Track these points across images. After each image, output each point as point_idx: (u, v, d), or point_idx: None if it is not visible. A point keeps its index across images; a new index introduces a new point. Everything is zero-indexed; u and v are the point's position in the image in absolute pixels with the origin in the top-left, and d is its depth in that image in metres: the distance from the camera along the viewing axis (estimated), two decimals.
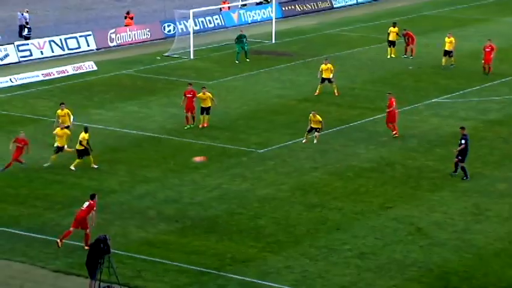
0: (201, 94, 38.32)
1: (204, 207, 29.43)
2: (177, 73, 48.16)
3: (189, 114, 38.15)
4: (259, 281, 24.05)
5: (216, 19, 61.75)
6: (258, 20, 63.56)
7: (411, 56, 50.85)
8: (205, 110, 38.19)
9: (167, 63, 50.77)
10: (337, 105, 41.68)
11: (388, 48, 51.48)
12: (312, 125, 36.08)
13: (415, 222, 27.94)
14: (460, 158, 31.59)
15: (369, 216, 28.53)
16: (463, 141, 31.65)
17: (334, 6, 70.45)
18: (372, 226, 27.74)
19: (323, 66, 43.35)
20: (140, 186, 31.23)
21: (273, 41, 55.98)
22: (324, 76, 43.18)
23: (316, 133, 35.94)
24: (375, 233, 27.17)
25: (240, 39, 51.19)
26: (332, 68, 43.28)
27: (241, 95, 43.38)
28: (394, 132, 36.45)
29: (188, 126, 38.01)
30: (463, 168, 31.60)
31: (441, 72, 47.56)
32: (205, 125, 38.09)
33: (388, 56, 51.04)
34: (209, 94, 38.45)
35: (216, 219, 28.47)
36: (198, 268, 24.76)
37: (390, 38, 51.58)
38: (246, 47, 51.24)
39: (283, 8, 66.54)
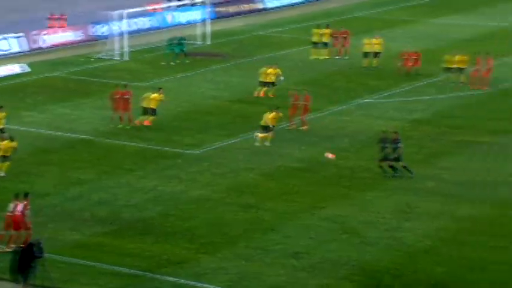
0: (156, 95, 38.13)
1: (139, 209, 29.16)
2: (110, 75, 47.65)
3: (122, 113, 37.80)
4: (194, 283, 23.91)
5: (150, 20, 61.32)
6: (191, 21, 63.28)
7: (345, 56, 51.05)
8: (152, 111, 38.00)
9: (100, 64, 50.22)
10: (270, 107, 41.63)
11: (315, 49, 51.17)
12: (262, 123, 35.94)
13: (347, 222, 28.11)
14: (393, 160, 31.83)
15: (302, 216, 28.61)
16: (399, 145, 31.95)
17: (267, 7, 70.58)
18: (306, 226, 27.82)
19: (271, 70, 42.88)
20: (74, 188, 30.81)
21: (207, 42, 55.80)
22: (267, 80, 42.65)
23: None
24: (308, 233, 27.25)
25: (176, 41, 51.11)
26: (279, 72, 42.94)
27: (175, 96, 43.09)
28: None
29: (122, 125, 37.72)
30: (404, 167, 31.87)
31: (371, 73, 47.99)
32: (147, 123, 37.95)
33: (322, 57, 51.05)
34: (162, 96, 38.33)
35: (150, 221, 28.22)
36: (133, 270, 24.50)
37: (324, 40, 51.53)
38: (183, 49, 51.14)
39: (217, 9, 66.38)
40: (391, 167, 32.10)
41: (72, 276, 24.03)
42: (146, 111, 38.08)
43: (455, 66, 45.35)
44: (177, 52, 50.93)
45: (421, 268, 24.80)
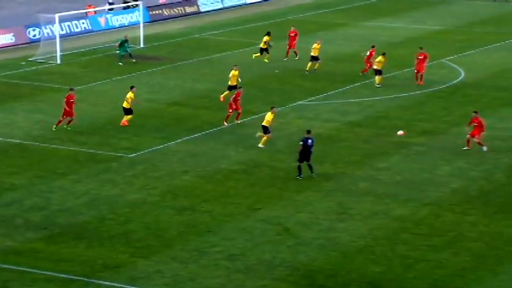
0: (130, 94, 38.64)
1: (73, 213, 29.00)
2: (43, 78, 47.24)
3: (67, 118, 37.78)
4: (129, 287, 23.88)
5: (83, 23, 60.89)
6: (126, 24, 63.03)
7: (292, 57, 51.43)
8: (128, 110, 38.58)
9: (33, 68, 49.72)
10: (206, 109, 41.84)
11: (267, 54, 51.14)
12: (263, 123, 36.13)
13: (282, 223, 28.37)
14: (300, 159, 32.08)
15: (238, 218, 28.78)
16: (301, 143, 32.23)
17: (201, 10, 70.66)
18: (242, 228, 28.00)
19: (234, 72, 42.81)
20: (6, 194, 30.49)
21: (142, 46, 55.65)
22: (230, 83, 42.59)
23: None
24: (244, 235, 27.42)
25: (123, 43, 51.19)
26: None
27: (110, 99, 42.94)
28: None
29: (58, 127, 37.51)
30: (310, 166, 32.17)
31: (306, 75, 48.44)
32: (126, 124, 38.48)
33: (266, 60, 51.08)
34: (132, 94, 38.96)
35: (85, 225, 28.09)
36: (67, 276, 24.37)
37: (261, 46, 51.51)
38: (128, 50, 51.39)
39: (151, 13, 66.22)
40: (310, 166, 32.26)
41: (4, 283, 23.79)
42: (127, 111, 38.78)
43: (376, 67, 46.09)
44: (123, 54, 51.09)
45: (355, 268, 25.16)
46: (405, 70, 48.99)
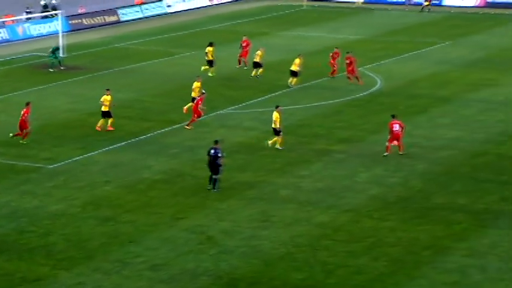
0: (106, 96, 39.01)
1: None
2: None
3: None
4: None
5: (0, 33, 59.84)
6: (44, 33, 62.20)
7: (245, 66, 51.76)
8: (106, 114, 38.79)
9: None
10: (128, 118, 41.52)
11: (210, 68, 50.19)
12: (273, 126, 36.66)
13: (205, 232, 28.31)
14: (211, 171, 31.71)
15: (161, 228, 28.62)
16: (207, 154, 31.73)
17: (122, 19, 70.20)
18: (165, 238, 27.84)
19: (196, 84, 42.33)
20: None
21: (61, 55, 54.94)
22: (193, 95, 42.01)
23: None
24: (167, 244, 27.28)
25: (54, 51, 51.29)
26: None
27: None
28: None
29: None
30: (215, 181, 31.69)
31: (227, 84, 48.50)
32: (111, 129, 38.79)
33: (210, 74, 50.39)
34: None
35: (4, 238, 27.54)
36: None
37: (208, 58, 50.54)
38: (58, 57, 51.22)
39: (70, 22, 65.49)
40: (214, 180, 31.73)
41: None
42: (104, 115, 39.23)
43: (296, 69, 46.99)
44: (53, 62, 50.70)
45: (277, 275, 25.26)
46: (324, 79, 49.52)
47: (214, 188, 31.87)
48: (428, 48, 58.92)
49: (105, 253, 26.54)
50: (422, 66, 53.38)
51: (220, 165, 31.79)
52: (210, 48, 50.11)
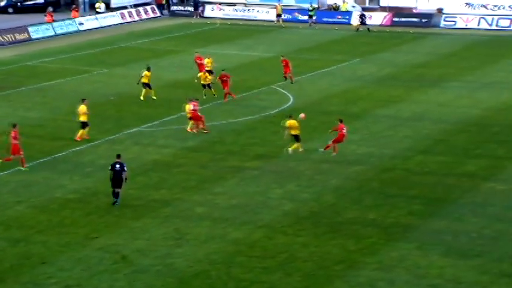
0: (83, 106, 39.41)
1: None
2: None
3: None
4: None
5: None
6: None
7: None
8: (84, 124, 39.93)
9: None
10: (39, 137, 40.86)
11: (144, 90, 48.77)
12: (292, 132, 38.01)
13: (119, 251, 28.01)
14: (112, 184, 31.85)
15: (74, 248, 28.19)
16: (110, 168, 31.92)
17: (33, 37, 69.15)
18: (78, 258, 27.43)
19: (188, 106, 41.89)
20: None
21: None
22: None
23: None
24: (80, 265, 26.88)
25: None
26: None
27: None
28: None
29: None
30: (117, 194, 31.84)
31: (141, 102, 48.15)
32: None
33: (142, 98, 48.88)
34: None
35: None
36: None
37: (143, 81, 48.95)
38: None
39: None
40: (116, 193, 31.84)
41: None
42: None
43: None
44: None
45: None
46: (238, 96, 49.67)
47: (116, 202, 31.77)
48: (338, 66, 59.77)
49: (16, 275, 26.00)
50: (333, 83, 54.10)
51: (125, 179, 31.86)
52: (147, 73, 48.88)
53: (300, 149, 38.49)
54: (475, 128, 43.08)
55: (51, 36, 70.68)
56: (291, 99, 49.27)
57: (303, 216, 31.21)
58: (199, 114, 41.83)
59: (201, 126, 41.88)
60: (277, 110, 46.92)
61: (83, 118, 40.55)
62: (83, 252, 27.83)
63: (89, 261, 27.18)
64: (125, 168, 32.01)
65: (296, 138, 38.56)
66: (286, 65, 52.94)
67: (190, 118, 42.01)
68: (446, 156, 38.31)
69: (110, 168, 32.11)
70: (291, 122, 38.64)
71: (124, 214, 31.24)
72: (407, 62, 61.20)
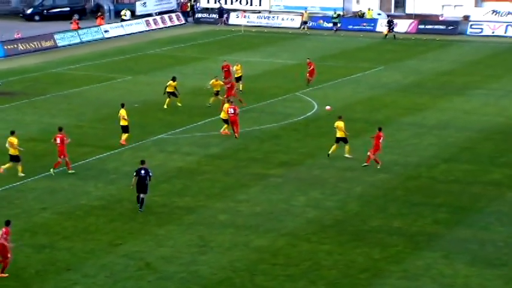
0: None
1: None
2: None
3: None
4: None
5: None
6: None
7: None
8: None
9: None
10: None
11: (168, 99, 48.65)
12: (337, 135, 38.40)
13: (144, 258, 28.11)
14: (137, 190, 32.12)
15: (99, 255, 28.33)
16: (134, 174, 32.24)
17: (58, 45, 69.62)
18: (102, 264, 27.56)
19: (226, 106, 42.56)
20: None
21: None
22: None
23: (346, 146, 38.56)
24: (105, 271, 27.00)
25: None
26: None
27: None
28: None
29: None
30: (142, 200, 32.09)
31: (165, 109, 48.30)
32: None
33: (165, 106, 48.74)
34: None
35: None
36: None
37: (168, 90, 48.88)
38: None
39: (6, 47, 64.70)
40: (141, 199, 32.11)
41: None
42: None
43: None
44: None
45: None
46: (262, 103, 49.75)
47: (141, 208, 32.00)
48: (362, 73, 59.68)
49: (42, 281, 26.16)
50: (358, 90, 54.01)
51: (147, 185, 32.18)
52: (172, 83, 48.62)
53: (346, 154, 38.68)
54: (500, 136, 42.84)
55: (76, 44, 71.13)
56: (316, 107, 49.25)
57: (327, 224, 31.16)
58: (237, 119, 42.19)
59: (235, 131, 42.20)
60: (301, 117, 46.91)
61: (123, 122, 41.13)
62: (108, 259, 27.96)
63: (113, 267, 27.30)
64: (150, 173, 32.18)
65: (341, 140, 38.80)
66: (312, 69, 53.96)
67: (227, 121, 42.36)
68: (471, 164, 38.13)
69: (134, 174, 32.21)
70: (339, 124, 38.87)
71: (148, 221, 31.35)
72: (432, 70, 60.97)
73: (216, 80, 48.93)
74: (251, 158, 39.39)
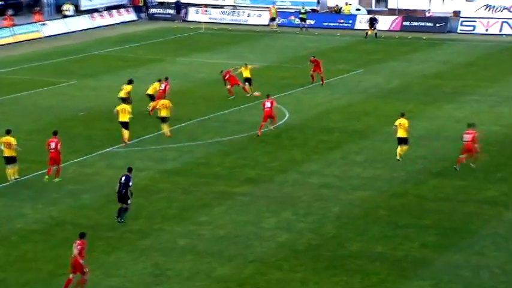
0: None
1: None
2: None
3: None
4: None
5: None
6: None
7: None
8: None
9: None
10: None
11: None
12: (399, 135, 39.98)
13: None
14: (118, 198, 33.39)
15: (38, 287, 28.11)
16: (122, 180, 33.46)
17: None
18: None
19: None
20: None
21: None
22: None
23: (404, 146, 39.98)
24: None
25: None
26: None
27: None
28: None
29: None
30: (125, 210, 33.22)
31: (113, 119, 47.91)
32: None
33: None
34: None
35: None
36: None
37: (121, 95, 49.45)
38: None
39: None
40: (121, 210, 33.23)
41: None
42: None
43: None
44: None
45: None
46: (226, 111, 49.77)
47: (120, 218, 32.96)
48: (340, 76, 59.98)
49: None
50: (335, 96, 54.28)
51: (131, 194, 33.27)
52: (127, 87, 49.00)
53: (397, 156, 39.99)
54: (495, 147, 43.23)
55: (10, 44, 70.76)
56: (287, 115, 49.37)
57: (301, 249, 31.21)
58: (273, 112, 44.93)
59: (274, 122, 45.58)
60: (271, 127, 46.95)
61: (124, 118, 43.14)
62: None
63: None
64: (130, 182, 33.27)
65: (403, 141, 39.90)
66: (317, 65, 55.76)
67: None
68: (464, 180, 38.41)
69: (119, 180, 33.47)
70: (402, 121, 39.84)
71: (95, 247, 31.15)
72: (419, 73, 61.46)
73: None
74: (214, 173, 39.37)
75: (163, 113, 44.96)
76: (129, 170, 33.87)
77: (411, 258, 30.44)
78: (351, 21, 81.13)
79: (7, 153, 37.60)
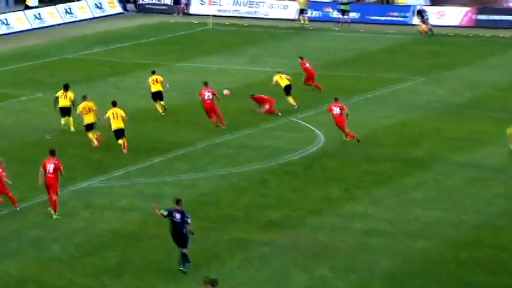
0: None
1: None
2: None
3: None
4: None
5: None
6: None
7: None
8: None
9: None
10: None
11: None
12: None
13: None
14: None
15: None
16: (165, 214, 33.90)
17: None
18: None
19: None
20: None
21: None
22: None
23: None
24: None
25: None
26: None
27: None
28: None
29: None
30: (184, 256, 33.81)
31: (90, 144, 48.10)
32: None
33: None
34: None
35: None
36: None
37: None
38: None
39: None
40: (182, 255, 33.75)
41: None
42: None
43: None
44: None
45: None
46: (241, 133, 49.84)
47: (182, 266, 33.33)
48: (392, 87, 60.02)
49: None
50: (385, 113, 54.28)
51: (191, 233, 33.95)
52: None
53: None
54: None
55: None
56: (322, 138, 49.37)
57: None
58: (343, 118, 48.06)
59: (349, 134, 48.45)
60: (300, 153, 47.00)
61: (118, 125, 45.59)
62: None
63: None
64: (188, 219, 33.61)
65: None
66: (309, 75, 57.50)
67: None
68: None
69: (166, 213, 33.79)
70: None
71: None
72: (496, 82, 61.40)
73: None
74: (225, 215, 39.42)
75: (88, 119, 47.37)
76: (178, 202, 33.97)
77: None
78: (406, 15, 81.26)
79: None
